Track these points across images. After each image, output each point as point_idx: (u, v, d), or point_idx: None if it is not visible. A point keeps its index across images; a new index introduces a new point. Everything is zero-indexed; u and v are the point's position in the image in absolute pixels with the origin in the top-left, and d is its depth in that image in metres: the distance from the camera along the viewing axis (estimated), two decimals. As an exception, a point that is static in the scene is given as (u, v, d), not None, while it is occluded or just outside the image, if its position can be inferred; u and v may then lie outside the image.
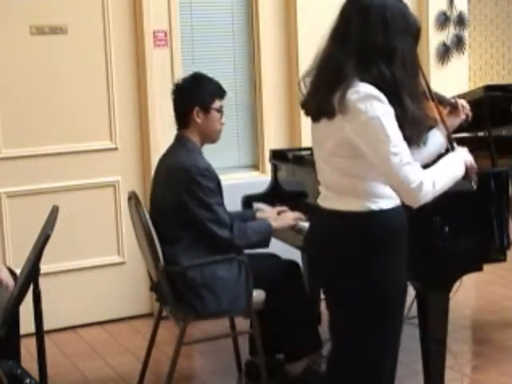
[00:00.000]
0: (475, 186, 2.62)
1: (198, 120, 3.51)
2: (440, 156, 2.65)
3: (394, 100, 2.33)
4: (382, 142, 2.30)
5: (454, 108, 2.80)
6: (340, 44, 2.39)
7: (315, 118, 2.49)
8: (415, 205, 2.37)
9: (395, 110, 2.33)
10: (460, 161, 2.51)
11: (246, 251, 3.55)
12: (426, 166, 2.42)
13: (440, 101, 2.71)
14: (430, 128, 2.64)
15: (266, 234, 3.54)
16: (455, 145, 2.60)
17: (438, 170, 2.42)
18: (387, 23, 2.35)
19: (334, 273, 2.50)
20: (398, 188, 2.36)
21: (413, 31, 2.43)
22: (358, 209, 2.42)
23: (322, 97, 2.40)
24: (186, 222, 3.41)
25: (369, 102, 2.30)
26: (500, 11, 6.83)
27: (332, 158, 2.45)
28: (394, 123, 2.32)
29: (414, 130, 2.39)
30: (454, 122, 2.79)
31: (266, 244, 3.55)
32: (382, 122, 2.29)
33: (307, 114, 2.55)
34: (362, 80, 2.33)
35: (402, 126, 2.34)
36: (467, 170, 2.52)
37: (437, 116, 2.63)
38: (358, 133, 2.33)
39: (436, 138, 2.67)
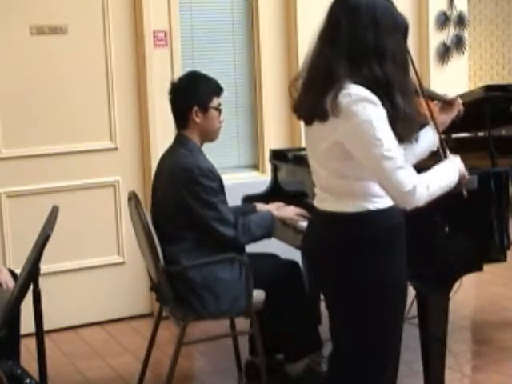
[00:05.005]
0: (466, 193, 2.62)
1: (197, 119, 3.51)
2: (433, 154, 2.66)
3: (386, 99, 2.32)
4: (375, 145, 2.28)
5: (446, 104, 2.79)
6: (330, 45, 2.38)
7: (308, 121, 2.47)
8: (408, 207, 2.37)
9: (387, 108, 2.32)
10: (454, 169, 2.51)
11: (247, 251, 3.55)
12: (419, 169, 2.42)
13: (431, 97, 2.71)
14: (423, 125, 2.64)
15: (269, 226, 3.54)
16: (448, 153, 2.60)
17: (433, 176, 2.41)
18: (377, 22, 2.34)
19: (333, 274, 2.49)
20: (391, 192, 2.35)
21: (401, 29, 2.43)
22: (355, 209, 2.41)
23: (314, 99, 2.39)
24: (188, 222, 3.41)
25: (361, 104, 2.28)
26: (500, 11, 6.82)
27: (326, 160, 2.43)
28: (386, 127, 2.30)
29: (405, 128, 2.38)
30: (446, 118, 2.78)
31: (269, 236, 3.56)
32: (374, 126, 2.28)
33: (299, 117, 2.53)
34: (354, 81, 2.32)
35: (394, 125, 2.33)
36: (460, 177, 2.52)
37: (427, 113, 2.62)
38: (350, 136, 2.31)
39: (428, 135, 2.66)
